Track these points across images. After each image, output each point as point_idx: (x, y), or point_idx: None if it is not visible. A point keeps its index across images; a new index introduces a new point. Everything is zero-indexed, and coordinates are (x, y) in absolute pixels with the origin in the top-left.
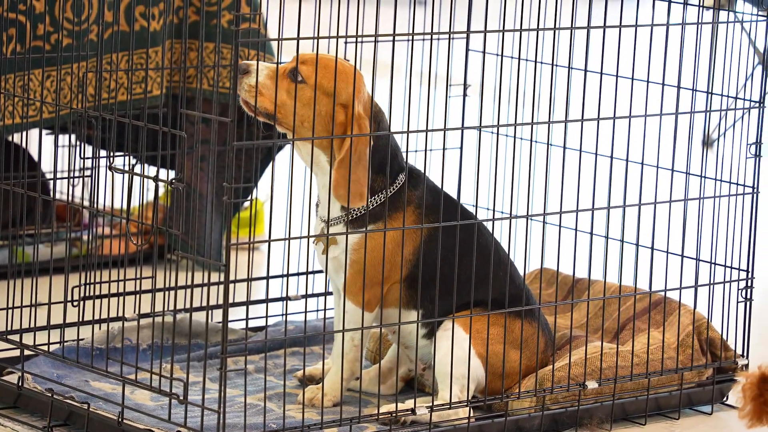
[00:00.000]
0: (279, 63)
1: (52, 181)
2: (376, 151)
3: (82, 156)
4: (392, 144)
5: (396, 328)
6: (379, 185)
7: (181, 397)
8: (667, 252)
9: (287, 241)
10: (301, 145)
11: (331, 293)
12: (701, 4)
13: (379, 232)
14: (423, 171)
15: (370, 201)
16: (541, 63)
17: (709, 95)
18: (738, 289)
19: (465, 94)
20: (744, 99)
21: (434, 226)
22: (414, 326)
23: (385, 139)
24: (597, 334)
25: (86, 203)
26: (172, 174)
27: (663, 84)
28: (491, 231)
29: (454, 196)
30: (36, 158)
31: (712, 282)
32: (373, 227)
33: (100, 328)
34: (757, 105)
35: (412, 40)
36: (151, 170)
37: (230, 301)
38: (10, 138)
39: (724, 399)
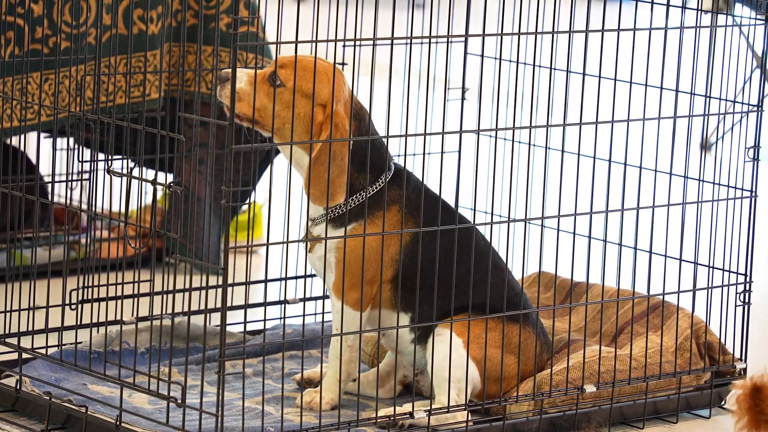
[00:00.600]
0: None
1: (50, 185)
2: (358, 150)
3: (81, 159)
4: (377, 143)
5: (386, 332)
6: (361, 183)
7: (179, 401)
8: (666, 255)
9: (285, 245)
10: (283, 147)
11: (328, 296)
12: (700, 7)
13: (360, 232)
14: (421, 176)
15: (352, 199)
16: (540, 66)
17: (708, 99)
18: (736, 293)
19: (463, 98)
20: (742, 102)
21: (430, 230)
22: (404, 331)
23: (365, 138)
24: (595, 338)
25: (84, 206)
26: (170, 177)
27: (661, 87)
28: (489, 234)
29: (452, 199)
30: (34, 161)
31: (710, 286)
32: (356, 225)
33: (98, 332)
34: (755, 108)
35: (411, 43)
36: (150, 173)
37: (228, 304)
38: (8, 141)
39: (722, 403)
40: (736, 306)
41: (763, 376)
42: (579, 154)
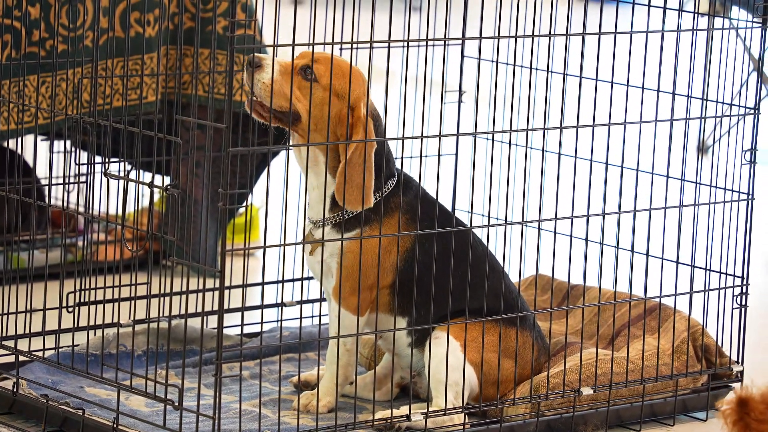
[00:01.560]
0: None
1: (47, 187)
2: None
3: (78, 162)
4: (387, 149)
5: (384, 335)
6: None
7: (176, 403)
8: (662, 258)
9: (282, 247)
10: (295, 147)
11: (325, 299)
12: (696, 10)
13: (361, 237)
14: (418, 179)
15: None
16: (537, 69)
17: (704, 102)
18: (733, 296)
19: (460, 101)
20: (739, 105)
21: (426, 233)
22: (401, 334)
23: (380, 144)
24: (592, 341)
25: (81, 209)
26: (167, 180)
27: (658, 90)
28: (486, 237)
29: (449, 203)
30: (31, 164)
31: (707, 288)
32: (359, 231)
33: (95, 334)
34: (752, 111)
35: (408, 46)
36: (147, 176)
37: (225, 307)
38: (5, 144)
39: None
40: (732, 309)
41: (748, 388)
42: (576, 157)
